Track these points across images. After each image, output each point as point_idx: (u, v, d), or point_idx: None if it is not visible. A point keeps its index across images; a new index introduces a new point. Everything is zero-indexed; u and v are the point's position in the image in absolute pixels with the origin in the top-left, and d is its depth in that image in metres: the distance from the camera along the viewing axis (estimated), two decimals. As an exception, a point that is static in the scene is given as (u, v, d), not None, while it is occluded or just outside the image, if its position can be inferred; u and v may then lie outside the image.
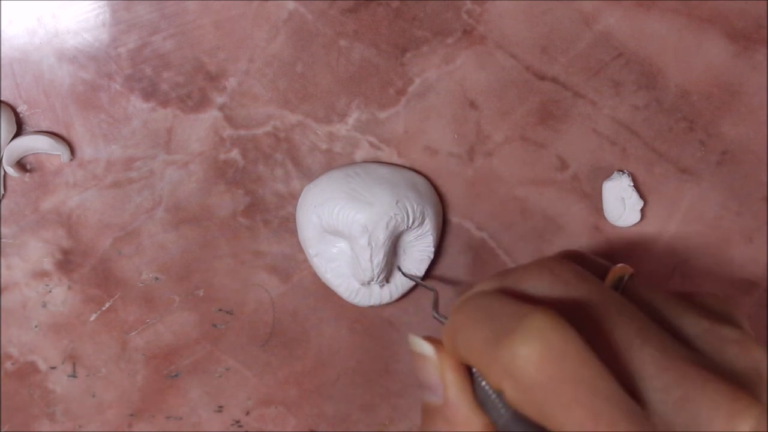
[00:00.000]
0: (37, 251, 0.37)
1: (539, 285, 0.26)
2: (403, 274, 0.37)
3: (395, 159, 0.37)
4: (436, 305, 0.33)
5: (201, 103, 0.36)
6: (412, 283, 0.37)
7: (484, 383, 0.26)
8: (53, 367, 0.38)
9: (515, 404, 0.23)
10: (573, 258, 0.29)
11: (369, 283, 0.36)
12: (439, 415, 0.27)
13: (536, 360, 0.22)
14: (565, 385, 0.22)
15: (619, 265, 0.28)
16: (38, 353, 0.38)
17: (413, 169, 0.37)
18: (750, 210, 0.38)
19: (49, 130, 0.36)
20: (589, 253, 0.30)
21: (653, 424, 0.23)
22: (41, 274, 0.38)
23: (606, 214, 0.37)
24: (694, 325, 0.26)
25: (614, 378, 0.22)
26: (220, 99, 0.36)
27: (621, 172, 0.37)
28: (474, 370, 0.26)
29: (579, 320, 0.24)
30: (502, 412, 0.25)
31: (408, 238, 0.37)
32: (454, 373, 0.26)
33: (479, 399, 0.26)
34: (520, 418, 0.25)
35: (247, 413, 0.39)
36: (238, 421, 0.39)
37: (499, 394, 0.25)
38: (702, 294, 0.28)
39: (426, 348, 0.27)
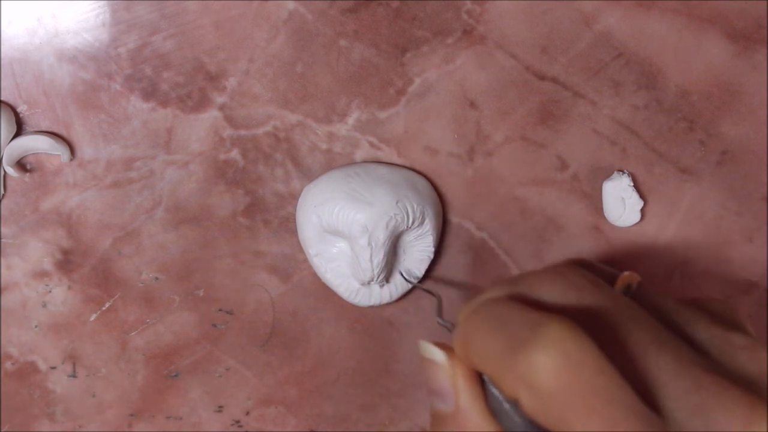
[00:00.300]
0: (37, 251, 0.37)
1: (553, 291, 0.26)
2: (405, 279, 0.37)
3: (395, 159, 0.37)
4: (440, 311, 0.33)
5: (201, 103, 0.36)
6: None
7: (495, 391, 0.26)
8: (53, 367, 0.38)
9: (531, 413, 0.23)
10: (580, 265, 0.29)
11: (369, 283, 0.36)
12: (449, 422, 0.26)
13: (554, 369, 0.22)
14: (583, 395, 0.22)
15: (627, 272, 0.28)
16: (38, 353, 0.38)
17: (413, 169, 0.37)
18: (750, 210, 0.38)
19: (49, 130, 0.36)
20: (596, 261, 0.30)
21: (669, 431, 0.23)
22: (41, 274, 0.38)
23: (606, 214, 0.37)
24: (704, 332, 0.26)
25: (630, 387, 0.22)
26: (220, 99, 0.36)
27: (621, 172, 0.37)
28: (485, 377, 0.26)
29: (593, 327, 0.24)
30: (515, 421, 0.25)
31: (408, 238, 0.37)
32: (466, 379, 0.26)
33: (491, 407, 0.26)
34: (533, 427, 0.24)
35: (247, 413, 0.39)
36: (238, 421, 0.39)
37: (514, 403, 0.25)
38: (707, 299, 0.28)
39: (437, 354, 0.27)
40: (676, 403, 0.23)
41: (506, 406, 0.25)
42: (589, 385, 0.22)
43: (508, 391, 0.24)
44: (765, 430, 0.22)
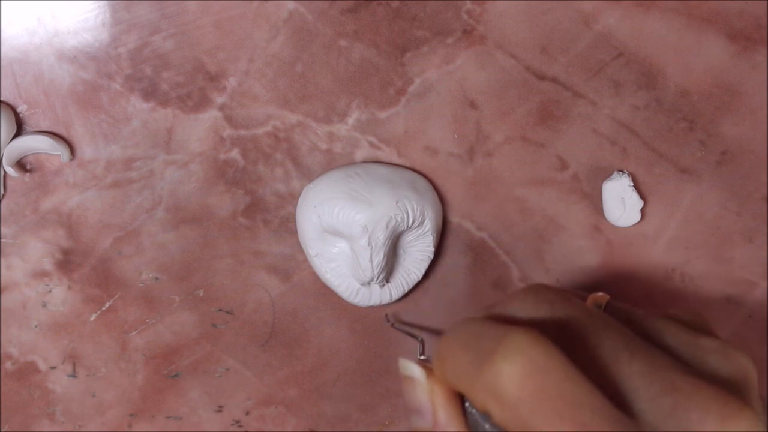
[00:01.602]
0: (37, 251, 0.37)
1: (525, 307, 0.26)
2: (392, 325, 0.37)
3: (395, 159, 0.37)
4: (422, 352, 0.33)
5: (201, 103, 0.36)
6: (413, 284, 0.37)
7: (473, 410, 0.26)
8: (53, 367, 0.38)
9: (503, 425, 0.23)
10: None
11: (369, 283, 0.36)
12: None
13: (518, 377, 0.23)
14: (550, 401, 0.22)
15: (598, 293, 0.28)
16: (38, 353, 0.38)
17: (413, 169, 0.37)
18: (750, 210, 0.38)
19: (49, 130, 0.36)
20: (561, 287, 0.31)
21: None
22: (41, 274, 0.38)
23: (606, 214, 0.37)
24: (674, 339, 0.26)
25: (600, 391, 0.23)
26: (220, 99, 0.36)
27: (621, 172, 0.37)
28: (465, 398, 0.26)
29: (565, 338, 0.24)
30: None
31: (408, 238, 0.37)
32: (444, 397, 0.27)
33: (470, 426, 0.26)
34: None
35: (247, 413, 0.39)
36: (238, 421, 0.39)
37: (487, 416, 0.25)
38: (675, 311, 0.28)
39: (416, 371, 0.27)
40: (649, 405, 0.23)
41: (485, 425, 0.25)
42: (556, 390, 0.22)
43: (479, 404, 0.24)
44: (741, 426, 0.22)
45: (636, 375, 0.24)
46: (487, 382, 0.23)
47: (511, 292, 0.27)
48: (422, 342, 0.34)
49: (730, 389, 0.24)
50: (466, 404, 0.26)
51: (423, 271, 0.37)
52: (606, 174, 0.37)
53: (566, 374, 0.22)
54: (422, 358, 0.32)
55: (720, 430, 0.22)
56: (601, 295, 0.28)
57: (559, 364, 0.23)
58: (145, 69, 0.36)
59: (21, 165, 0.37)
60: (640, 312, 0.28)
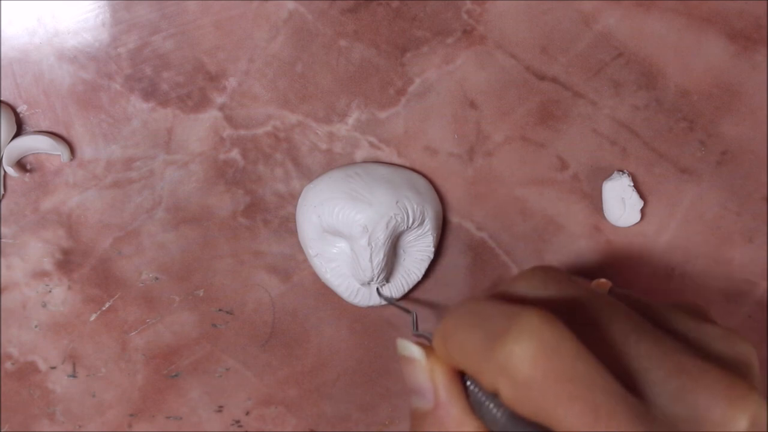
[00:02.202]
0: (37, 251, 0.37)
1: (532, 285, 0.26)
2: (380, 296, 0.37)
3: (395, 159, 0.37)
4: (415, 326, 0.33)
5: (201, 103, 0.36)
6: (413, 284, 0.37)
7: (475, 389, 0.26)
8: (53, 367, 0.38)
9: (512, 404, 0.23)
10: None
11: (369, 283, 0.36)
12: (429, 418, 0.27)
13: (531, 357, 0.23)
14: (562, 381, 0.22)
15: (601, 279, 0.28)
16: (38, 353, 0.38)
17: (413, 169, 0.37)
18: (750, 210, 0.38)
19: (49, 130, 0.36)
20: (565, 270, 0.31)
21: (653, 416, 0.23)
22: (41, 274, 0.38)
23: (606, 214, 0.37)
24: (680, 325, 0.26)
25: (610, 372, 0.23)
26: (220, 99, 0.36)
27: (621, 172, 0.37)
28: (466, 377, 0.26)
29: (573, 317, 0.24)
30: (496, 417, 0.25)
31: (408, 238, 0.37)
32: (445, 375, 0.26)
33: (471, 405, 0.26)
34: (515, 421, 0.25)
35: (247, 413, 0.39)
36: (238, 421, 0.39)
37: (494, 396, 0.25)
38: (677, 302, 0.28)
39: (415, 351, 0.27)
40: (658, 388, 0.23)
41: (487, 403, 0.25)
42: (568, 371, 0.22)
43: (488, 384, 0.24)
44: (748, 410, 0.22)
45: (644, 357, 0.24)
46: (499, 363, 0.23)
47: (516, 273, 0.27)
48: (414, 316, 0.34)
49: (736, 373, 0.24)
50: (468, 382, 0.26)
51: (423, 271, 0.37)
52: (606, 174, 0.37)
53: (578, 355, 0.23)
54: (417, 333, 0.32)
55: (727, 412, 0.22)
56: (604, 281, 0.28)
57: (570, 345, 0.23)
58: (145, 69, 0.36)
59: (21, 165, 0.37)
60: (643, 298, 0.28)
